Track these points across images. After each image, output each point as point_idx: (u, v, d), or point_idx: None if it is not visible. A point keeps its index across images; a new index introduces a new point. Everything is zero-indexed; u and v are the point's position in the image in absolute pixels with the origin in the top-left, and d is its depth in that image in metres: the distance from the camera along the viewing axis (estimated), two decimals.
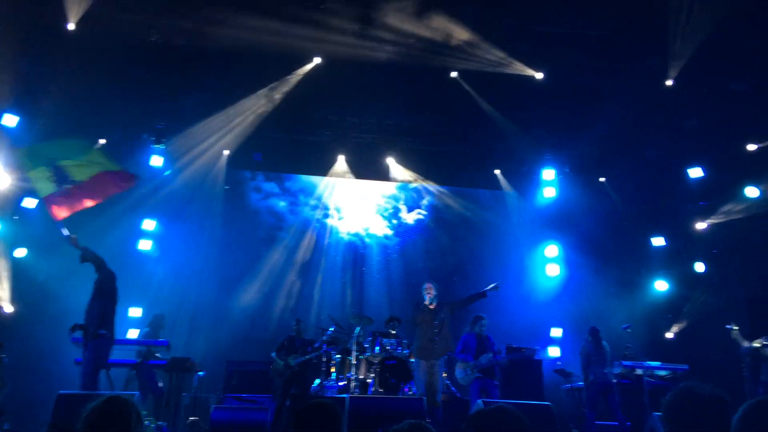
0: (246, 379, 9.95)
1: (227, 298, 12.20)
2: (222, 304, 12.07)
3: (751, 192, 11.23)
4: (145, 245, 11.63)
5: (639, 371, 9.97)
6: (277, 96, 11.15)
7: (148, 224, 11.81)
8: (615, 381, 9.50)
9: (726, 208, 11.53)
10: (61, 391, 6.47)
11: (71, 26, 9.24)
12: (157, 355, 9.48)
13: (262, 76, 10.80)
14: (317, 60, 10.45)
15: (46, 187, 7.50)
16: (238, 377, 9.94)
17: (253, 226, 13.49)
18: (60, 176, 7.61)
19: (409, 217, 14.27)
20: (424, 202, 14.35)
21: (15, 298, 10.08)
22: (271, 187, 13.96)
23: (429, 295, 9.06)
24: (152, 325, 10.17)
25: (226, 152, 12.48)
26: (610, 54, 10.15)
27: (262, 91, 11.08)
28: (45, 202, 7.52)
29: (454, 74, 10.61)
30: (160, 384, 9.40)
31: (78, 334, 7.44)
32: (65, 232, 7.46)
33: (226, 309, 12.10)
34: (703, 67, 10.05)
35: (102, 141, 11.47)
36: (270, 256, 13.14)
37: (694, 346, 11.41)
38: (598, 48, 9.98)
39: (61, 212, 7.51)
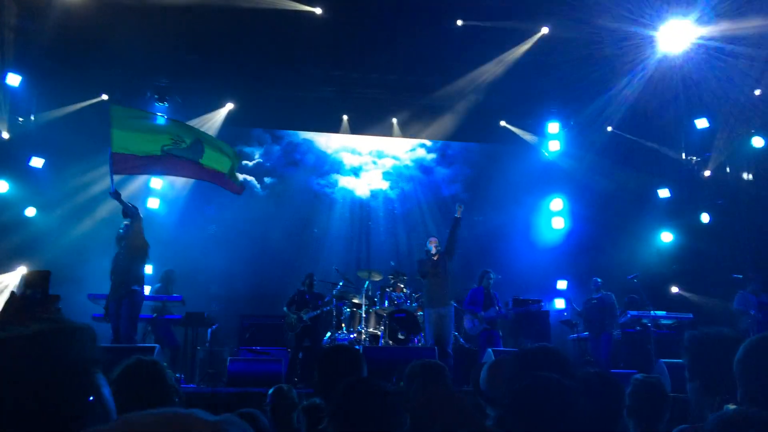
0: (259, 332, 10.11)
1: (236, 254, 12.29)
2: (231, 259, 12.17)
3: (757, 142, 11.23)
4: (153, 203, 11.67)
5: (645, 320, 10.15)
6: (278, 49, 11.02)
7: (156, 182, 11.83)
8: (617, 332, 9.79)
9: (731, 158, 11.54)
10: None
11: None
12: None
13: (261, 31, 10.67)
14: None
15: (126, 146, 7.39)
16: (252, 331, 10.10)
17: (270, 190, 13.62)
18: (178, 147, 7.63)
19: (415, 172, 14.30)
20: (431, 156, 14.37)
21: (28, 258, 10.14)
22: (274, 143, 14.00)
23: (434, 247, 9.19)
24: (163, 280, 10.29)
25: (230, 106, 12.34)
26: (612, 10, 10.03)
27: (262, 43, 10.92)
28: (115, 156, 7.28)
29: (459, 23, 10.45)
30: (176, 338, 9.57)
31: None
32: (113, 186, 7.36)
33: (234, 265, 12.20)
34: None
35: (104, 96, 11.43)
36: (278, 213, 13.22)
37: (698, 295, 11.56)
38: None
39: (122, 169, 7.53)
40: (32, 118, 11.07)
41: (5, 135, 10.28)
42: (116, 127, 7.34)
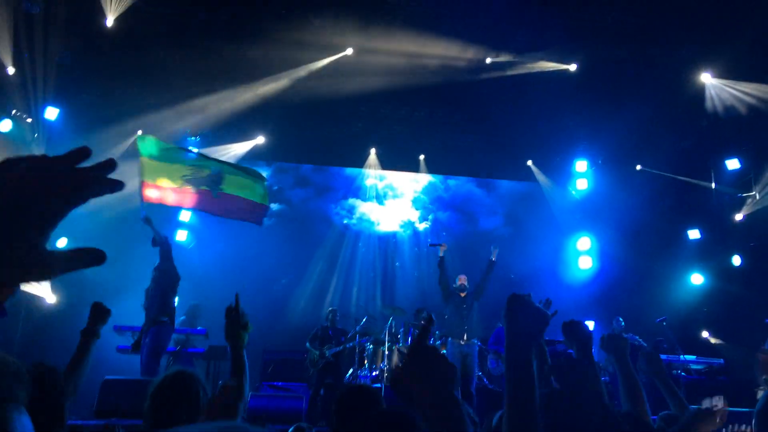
0: (281, 367, 10.08)
1: (259, 288, 12.32)
2: (254, 294, 12.18)
3: None
4: (181, 236, 11.81)
5: (674, 365, 9.88)
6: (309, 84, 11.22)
7: (184, 215, 11.99)
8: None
9: (764, 199, 11.32)
10: (106, 377, 6.64)
11: (110, 22, 9.49)
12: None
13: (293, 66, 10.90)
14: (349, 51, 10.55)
15: (152, 175, 7.74)
16: (274, 366, 10.07)
17: (287, 218, 13.63)
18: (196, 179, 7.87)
19: (441, 210, 14.28)
20: (455, 194, 14.35)
21: (57, 289, 10.32)
22: (303, 178, 14.08)
23: (462, 284, 9.23)
24: (188, 314, 10.36)
25: (261, 139, 12.52)
26: (644, 43, 10.05)
27: (293, 79, 11.13)
28: (142, 185, 7.67)
29: (488, 60, 10.60)
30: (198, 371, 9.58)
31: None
32: (144, 212, 7.57)
33: (257, 299, 12.21)
34: (741, 57, 9.90)
35: (139, 132, 11.71)
36: (303, 248, 13.26)
37: (728, 340, 11.23)
38: (632, 37, 9.89)
39: (150, 197, 7.73)
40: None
41: None
42: (144, 155, 7.57)
